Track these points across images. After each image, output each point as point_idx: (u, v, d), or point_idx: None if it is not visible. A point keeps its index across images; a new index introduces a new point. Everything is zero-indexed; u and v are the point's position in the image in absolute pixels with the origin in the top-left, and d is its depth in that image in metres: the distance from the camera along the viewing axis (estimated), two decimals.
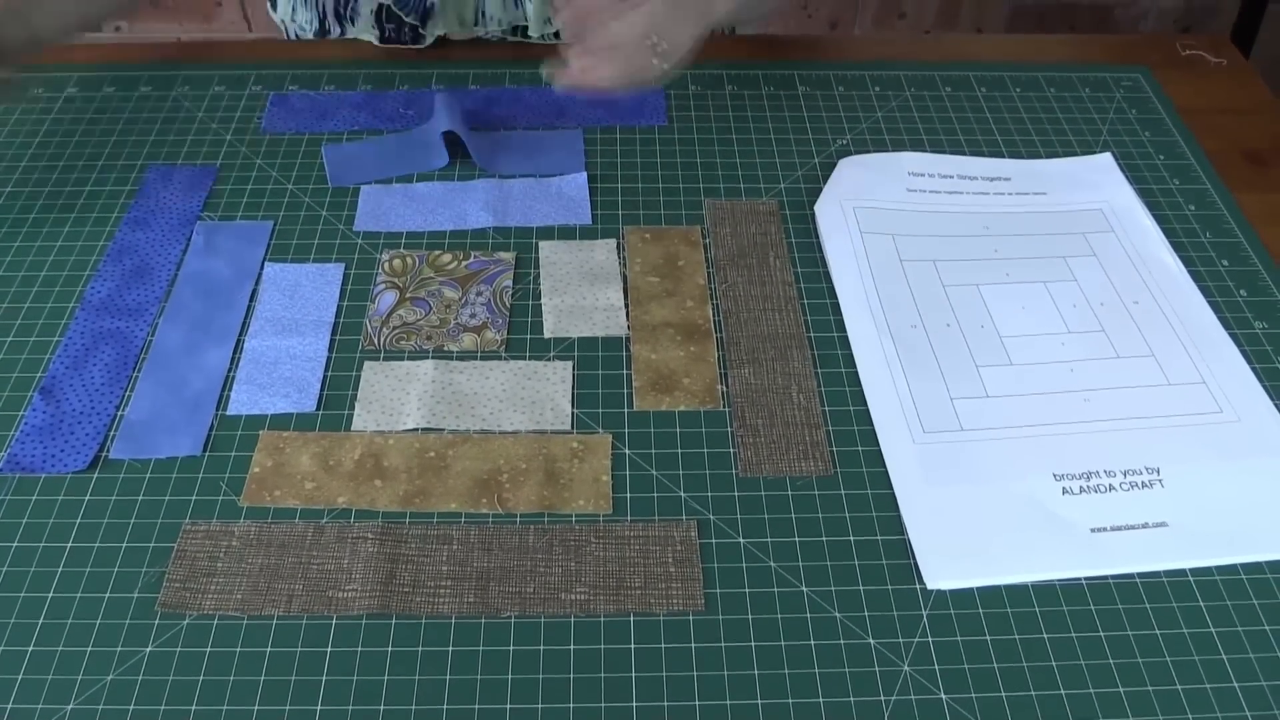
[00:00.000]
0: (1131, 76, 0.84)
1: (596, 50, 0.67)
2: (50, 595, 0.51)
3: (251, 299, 0.65)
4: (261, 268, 0.66)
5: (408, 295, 0.65)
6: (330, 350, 0.62)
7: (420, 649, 0.49)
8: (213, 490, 0.55)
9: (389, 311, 0.64)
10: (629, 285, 0.65)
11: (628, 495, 0.55)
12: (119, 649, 0.49)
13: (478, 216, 0.70)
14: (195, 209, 0.70)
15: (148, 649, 0.49)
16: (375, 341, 0.62)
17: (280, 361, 0.61)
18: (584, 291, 0.64)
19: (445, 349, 0.62)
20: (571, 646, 0.49)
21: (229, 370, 0.60)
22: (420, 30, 0.83)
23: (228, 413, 0.58)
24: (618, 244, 0.68)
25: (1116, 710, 0.47)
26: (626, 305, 0.64)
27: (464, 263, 0.67)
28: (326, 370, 0.61)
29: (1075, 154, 0.76)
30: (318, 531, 0.53)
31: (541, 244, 0.68)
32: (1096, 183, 0.74)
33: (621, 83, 0.68)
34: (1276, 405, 0.59)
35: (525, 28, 0.85)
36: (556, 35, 0.85)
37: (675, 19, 0.69)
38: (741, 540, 0.53)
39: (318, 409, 0.59)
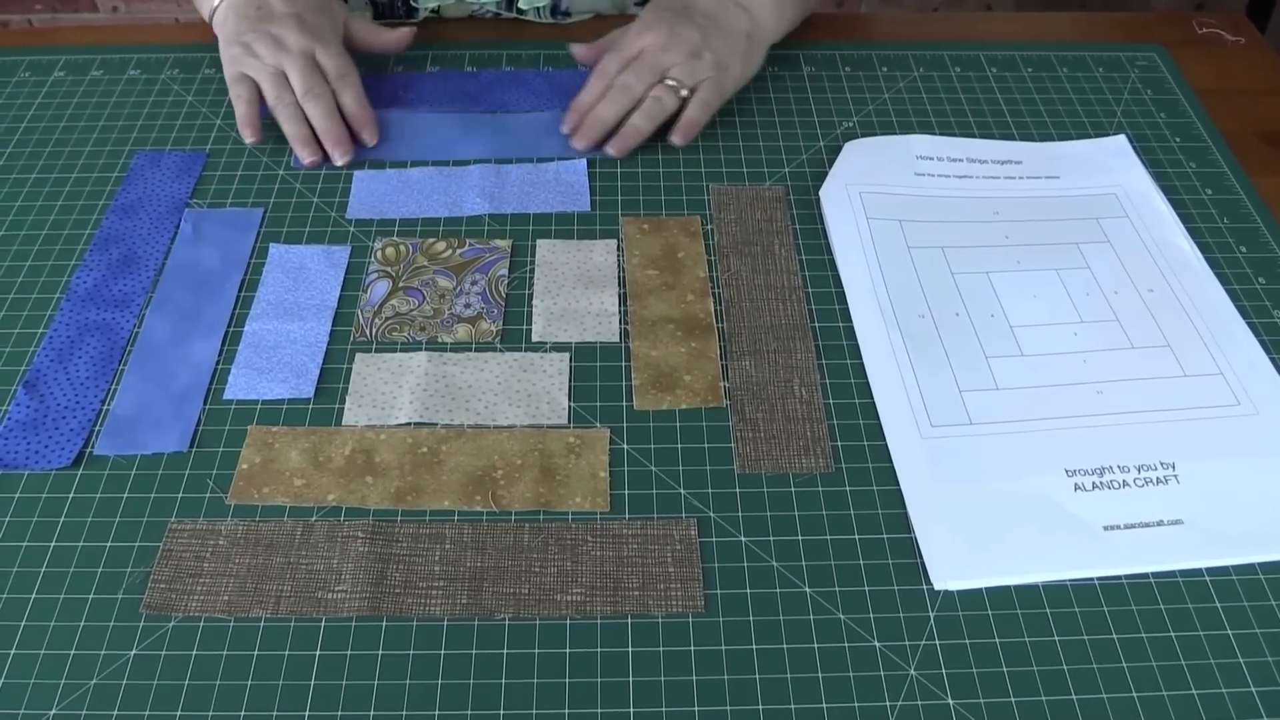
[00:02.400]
0: (1147, 56, 0.81)
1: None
2: (33, 596, 0.49)
3: (242, 287, 0.63)
4: (251, 256, 0.65)
5: (401, 284, 0.63)
6: (329, 338, 0.60)
7: (411, 652, 0.47)
8: (199, 487, 0.53)
9: (381, 302, 0.62)
10: (627, 279, 0.63)
11: (626, 492, 0.53)
12: (103, 652, 0.47)
13: (473, 203, 0.68)
14: (184, 196, 0.68)
15: (132, 652, 0.47)
16: (368, 333, 0.60)
17: (280, 346, 0.59)
18: (577, 295, 0.62)
19: (439, 340, 0.60)
20: (567, 650, 0.48)
21: (217, 362, 0.59)
22: (413, 4, 0.81)
23: (225, 396, 0.57)
24: (618, 244, 0.66)
25: (1130, 716, 0.46)
26: (623, 308, 0.62)
27: (459, 251, 0.65)
28: (326, 356, 0.59)
29: (1089, 136, 0.74)
30: (307, 530, 0.51)
31: (540, 242, 0.66)
32: (1110, 166, 0.71)
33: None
34: None
35: (517, 2, 0.83)
36: (552, 12, 0.83)
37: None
38: (743, 539, 0.51)
39: (315, 395, 0.57)
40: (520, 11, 0.83)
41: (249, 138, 0.70)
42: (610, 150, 0.70)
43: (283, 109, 0.70)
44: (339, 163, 0.70)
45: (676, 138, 0.70)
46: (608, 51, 0.73)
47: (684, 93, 0.70)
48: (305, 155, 0.69)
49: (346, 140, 0.70)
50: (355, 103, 0.71)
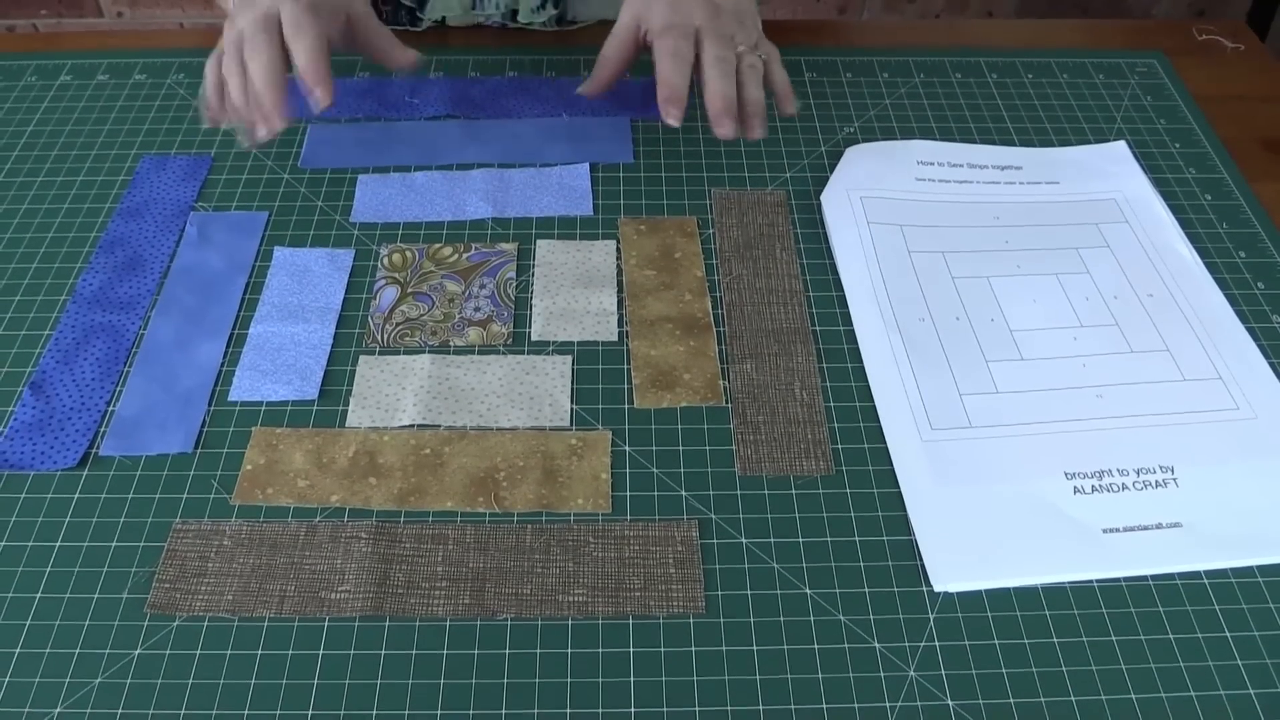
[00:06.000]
0: (1147, 62, 0.82)
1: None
2: (38, 596, 0.50)
3: (247, 290, 0.63)
4: (256, 259, 0.65)
5: (409, 290, 0.63)
6: (333, 340, 0.61)
7: (414, 652, 0.48)
8: (204, 488, 0.54)
9: (391, 307, 0.62)
10: (625, 279, 0.64)
11: (627, 494, 0.53)
12: (107, 651, 0.48)
13: (476, 207, 0.69)
14: (189, 199, 0.69)
15: (136, 651, 0.48)
16: (380, 339, 0.61)
17: (284, 348, 0.60)
18: (576, 294, 0.63)
19: (451, 344, 0.60)
20: (569, 650, 0.48)
21: (222, 364, 0.59)
22: (418, 14, 0.82)
23: (229, 398, 0.57)
24: (616, 246, 0.66)
25: (1128, 717, 0.46)
26: (621, 309, 0.62)
27: (465, 255, 0.66)
28: (330, 358, 0.60)
29: (1089, 142, 0.75)
30: (310, 531, 0.52)
31: (540, 242, 0.66)
32: (1110, 172, 0.72)
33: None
34: None
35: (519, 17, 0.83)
36: (558, 21, 0.83)
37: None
38: (744, 541, 0.52)
39: (319, 397, 0.57)
40: (524, 24, 0.83)
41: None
42: (757, 134, 0.65)
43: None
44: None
45: (790, 108, 0.67)
46: (659, 36, 0.65)
47: (762, 55, 0.66)
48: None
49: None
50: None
